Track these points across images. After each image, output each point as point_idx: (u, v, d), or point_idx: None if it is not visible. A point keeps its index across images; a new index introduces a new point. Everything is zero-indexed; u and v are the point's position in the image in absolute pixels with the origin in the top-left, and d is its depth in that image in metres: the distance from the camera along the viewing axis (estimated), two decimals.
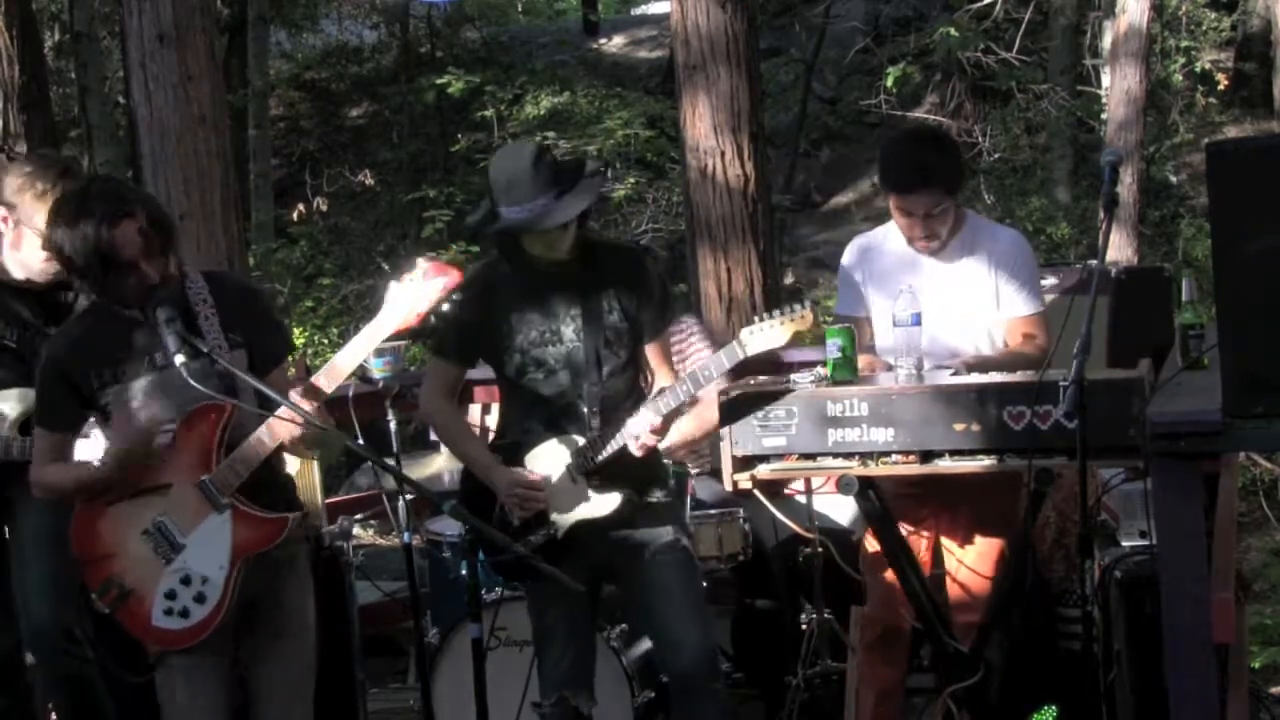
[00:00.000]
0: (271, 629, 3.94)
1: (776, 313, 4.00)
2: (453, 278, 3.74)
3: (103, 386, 3.80)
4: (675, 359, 5.09)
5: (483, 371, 4.57)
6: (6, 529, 4.64)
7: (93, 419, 3.93)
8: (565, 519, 4.18)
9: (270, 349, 3.94)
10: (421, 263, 3.77)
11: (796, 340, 4.13)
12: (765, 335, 3.98)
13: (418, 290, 3.72)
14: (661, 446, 4.23)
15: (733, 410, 4.18)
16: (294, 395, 3.70)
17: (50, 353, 3.89)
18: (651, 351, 4.28)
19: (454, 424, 4.46)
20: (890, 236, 4.67)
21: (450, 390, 4.40)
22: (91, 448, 4.07)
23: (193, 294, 3.84)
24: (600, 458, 4.14)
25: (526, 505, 4.16)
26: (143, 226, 3.64)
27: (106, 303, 3.77)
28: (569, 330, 4.18)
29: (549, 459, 4.20)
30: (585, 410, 4.18)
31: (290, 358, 4.15)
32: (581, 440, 4.17)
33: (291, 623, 3.97)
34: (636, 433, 4.07)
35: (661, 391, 4.10)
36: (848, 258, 4.77)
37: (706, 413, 4.66)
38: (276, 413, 3.68)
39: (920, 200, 4.45)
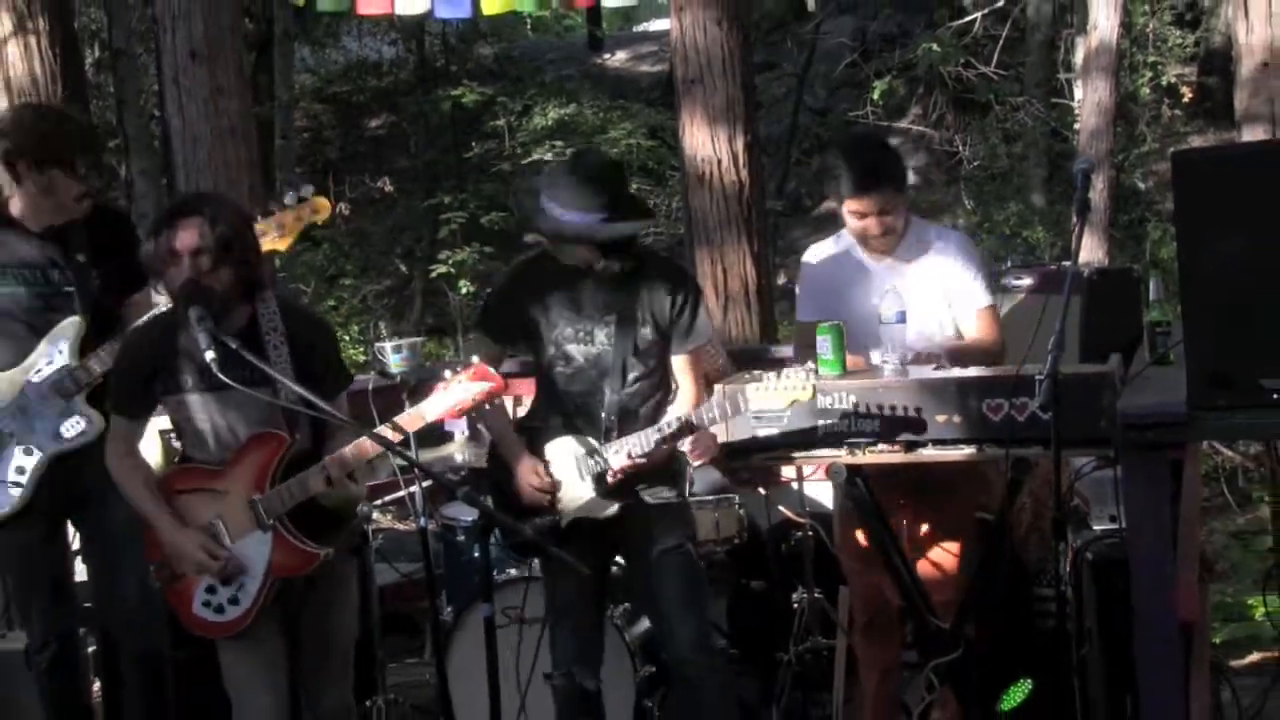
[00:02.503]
0: (317, 625, 4.02)
1: (785, 376, 3.98)
2: (495, 383, 3.78)
3: (165, 393, 3.89)
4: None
5: (511, 366, 4.59)
6: (80, 519, 4.64)
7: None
8: (569, 512, 4.20)
9: (328, 384, 3.95)
10: (473, 363, 3.84)
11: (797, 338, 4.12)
12: (767, 397, 3.97)
13: (463, 390, 3.76)
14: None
15: None
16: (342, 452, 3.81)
17: (127, 345, 4.03)
18: (677, 363, 4.26)
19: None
20: (840, 245, 4.67)
21: (490, 364, 4.40)
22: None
23: (264, 320, 3.87)
24: (609, 464, 4.14)
25: (535, 496, 4.17)
26: (203, 229, 3.70)
27: (173, 309, 3.84)
28: (602, 334, 4.17)
29: (565, 453, 4.21)
30: (603, 415, 4.18)
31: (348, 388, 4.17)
32: (596, 444, 4.17)
33: (330, 621, 4.05)
34: (616, 466, 4.11)
35: (653, 428, 4.12)
36: (805, 268, 4.77)
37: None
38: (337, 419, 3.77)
39: (875, 200, 4.44)
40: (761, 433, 4.13)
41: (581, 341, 4.18)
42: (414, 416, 3.81)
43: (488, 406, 3.88)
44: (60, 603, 4.64)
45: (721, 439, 4.22)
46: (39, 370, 4.44)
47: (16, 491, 4.45)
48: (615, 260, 4.10)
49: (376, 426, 3.89)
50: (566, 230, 4.03)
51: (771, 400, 3.98)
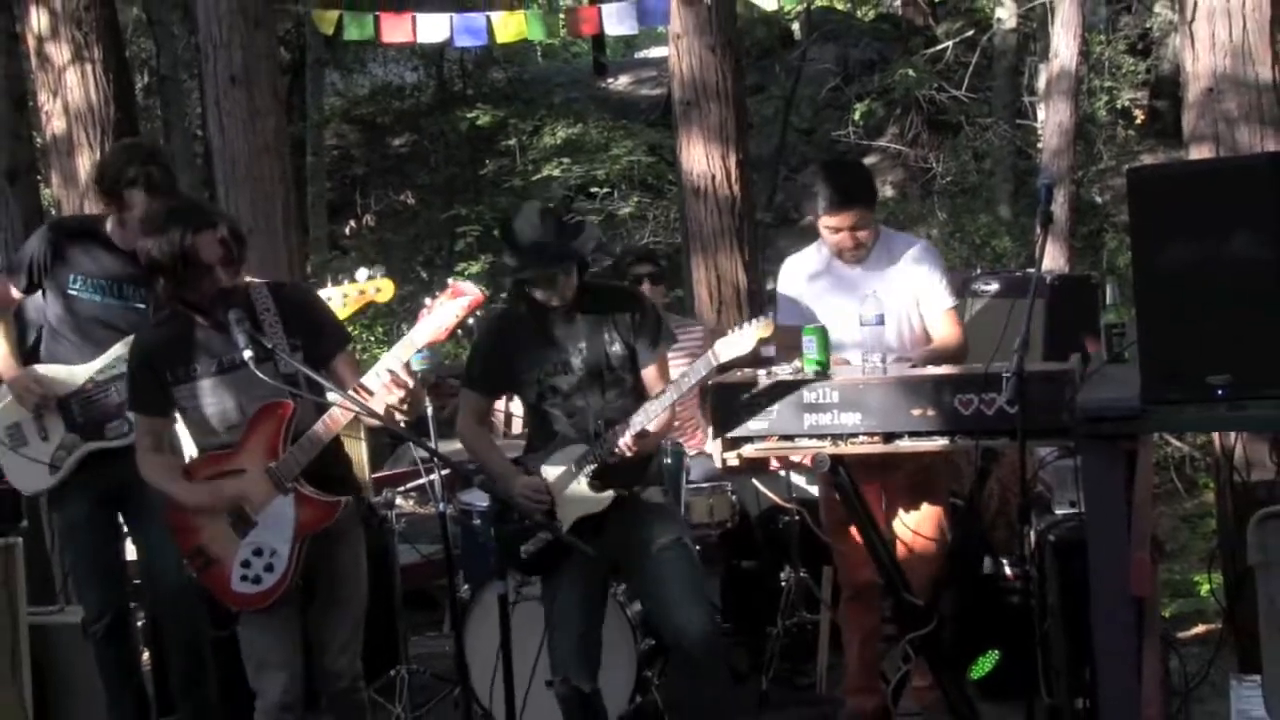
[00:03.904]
0: (329, 595, 3.95)
1: (745, 324, 3.98)
2: (474, 296, 3.72)
3: (175, 383, 3.80)
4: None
5: None
6: (125, 508, 4.64)
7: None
8: (568, 515, 4.16)
9: (328, 345, 3.92)
10: (450, 283, 3.78)
11: (767, 342, 4.11)
12: (734, 344, 3.97)
13: (447, 308, 3.72)
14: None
15: (722, 398, 4.17)
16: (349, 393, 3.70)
17: (138, 346, 3.91)
18: (647, 375, 4.22)
19: (481, 444, 4.40)
20: (819, 256, 4.69)
21: (479, 416, 4.42)
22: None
23: (258, 303, 3.82)
24: (600, 460, 4.12)
25: (534, 503, 4.13)
26: (223, 237, 3.65)
27: (182, 308, 3.76)
28: (576, 361, 4.16)
29: (561, 461, 4.18)
30: (590, 425, 4.16)
31: (348, 346, 4.12)
32: (584, 447, 4.15)
33: (345, 589, 3.98)
34: (620, 444, 4.07)
35: (647, 404, 4.08)
36: (784, 277, 4.78)
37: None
38: (338, 399, 3.70)
39: (847, 216, 4.47)
40: (753, 424, 4.13)
41: (562, 373, 4.17)
42: (406, 345, 3.73)
43: (470, 320, 3.78)
44: (111, 579, 4.66)
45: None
46: (102, 371, 4.48)
47: (53, 473, 4.52)
48: (585, 280, 4.14)
49: (399, 422, 3.88)
50: (522, 268, 4.07)
51: (738, 346, 3.95)
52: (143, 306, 4.51)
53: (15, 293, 4.60)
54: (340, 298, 4.63)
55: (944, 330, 4.59)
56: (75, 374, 4.53)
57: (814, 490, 5.93)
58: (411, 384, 3.74)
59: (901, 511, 4.63)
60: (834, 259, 4.63)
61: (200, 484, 3.83)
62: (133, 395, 3.95)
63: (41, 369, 4.57)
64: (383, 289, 4.71)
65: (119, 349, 4.45)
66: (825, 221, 4.53)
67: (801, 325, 4.41)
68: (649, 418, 4.06)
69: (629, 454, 4.09)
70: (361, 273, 4.69)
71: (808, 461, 4.25)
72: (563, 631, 4.21)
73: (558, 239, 4.05)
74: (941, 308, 4.59)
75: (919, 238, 4.95)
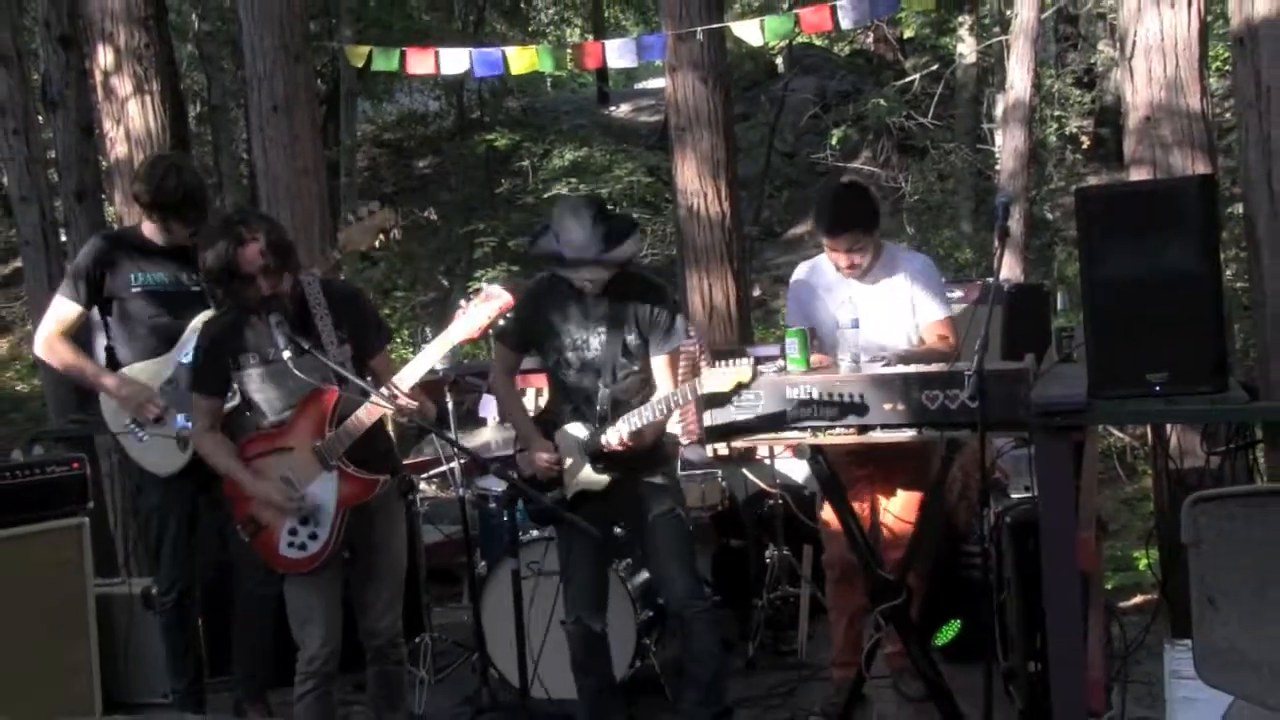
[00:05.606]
0: (371, 562, 3.97)
1: (731, 362, 3.93)
2: (505, 301, 3.71)
3: (235, 369, 3.83)
4: (686, 367, 5.07)
5: (530, 363, 4.57)
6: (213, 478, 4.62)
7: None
8: (571, 486, 4.20)
9: (372, 340, 3.95)
10: (485, 287, 3.77)
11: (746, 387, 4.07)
12: (715, 380, 3.92)
13: (479, 310, 3.72)
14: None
15: (714, 395, 4.17)
16: (383, 388, 3.72)
17: (206, 333, 3.92)
18: (657, 364, 4.20)
19: (510, 396, 4.44)
20: (826, 264, 4.66)
21: (510, 369, 4.40)
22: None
23: (311, 299, 3.84)
24: (600, 447, 4.13)
25: (545, 471, 4.17)
26: (263, 249, 3.64)
27: (237, 305, 3.78)
28: (595, 341, 4.15)
29: (570, 437, 4.20)
30: (598, 405, 4.17)
31: (388, 343, 4.13)
32: (594, 428, 4.16)
33: (385, 557, 4.00)
34: (611, 440, 4.08)
35: (638, 411, 4.07)
36: (794, 282, 4.75)
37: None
38: (373, 396, 3.71)
39: (843, 240, 4.42)
40: (740, 417, 4.13)
41: (580, 349, 4.17)
42: (443, 341, 3.73)
43: (501, 321, 3.79)
44: (187, 556, 4.62)
45: (708, 423, 4.22)
46: (187, 354, 4.41)
47: (183, 449, 4.46)
48: (615, 276, 4.09)
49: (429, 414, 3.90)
50: (579, 261, 4.01)
51: (720, 383, 3.93)
52: (197, 290, 4.47)
53: (79, 308, 4.51)
54: (359, 234, 4.65)
55: (931, 338, 4.55)
56: (163, 365, 4.49)
57: (796, 477, 5.95)
58: (415, 405, 3.72)
59: (886, 499, 4.62)
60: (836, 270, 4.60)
61: (249, 473, 3.84)
62: (196, 376, 3.93)
63: (130, 371, 4.50)
64: (388, 217, 4.73)
65: (194, 330, 4.41)
66: (824, 242, 4.51)
67: (804, 328, 4.42)
68: (642, 421, 4.06)
69: (622, 449, 4.10)
70: (362, 209, 4.71)
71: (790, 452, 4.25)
72: (576, 577, 4.25)
73: (604, 244, 3.97)
74: (929, 319, 4.53)
75: (921, 254, 4.88)
